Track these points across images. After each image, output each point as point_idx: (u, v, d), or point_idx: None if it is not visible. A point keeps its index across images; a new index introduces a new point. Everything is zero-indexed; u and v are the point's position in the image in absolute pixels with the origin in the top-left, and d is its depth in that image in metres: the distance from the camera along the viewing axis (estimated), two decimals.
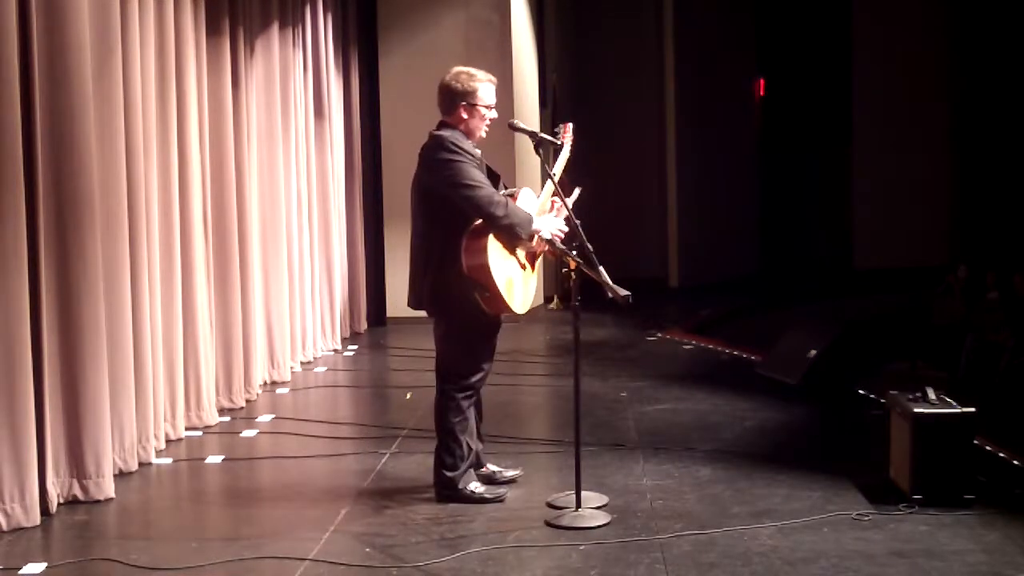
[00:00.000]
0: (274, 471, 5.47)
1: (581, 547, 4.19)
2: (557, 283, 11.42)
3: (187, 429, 6.08)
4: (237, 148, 6.89)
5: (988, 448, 5.36)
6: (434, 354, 4.87)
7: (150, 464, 5.45)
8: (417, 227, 4.74)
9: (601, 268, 4.41)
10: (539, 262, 4.98)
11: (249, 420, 6.48)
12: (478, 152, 4.68)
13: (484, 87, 4.71)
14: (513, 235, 4.60)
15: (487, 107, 4.72)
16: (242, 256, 6.93)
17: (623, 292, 4.33)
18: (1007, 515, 4.46)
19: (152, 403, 5.56)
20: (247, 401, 6.88)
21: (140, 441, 5.38)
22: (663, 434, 5.95)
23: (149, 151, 5.59)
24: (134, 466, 5.28)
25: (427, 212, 4.67)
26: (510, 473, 5.02)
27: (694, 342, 9.25)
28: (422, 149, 4.70)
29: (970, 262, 10.81)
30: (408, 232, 4.83)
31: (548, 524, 4.44)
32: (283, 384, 7.64)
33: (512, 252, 4.67)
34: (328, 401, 7.35)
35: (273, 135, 7.72)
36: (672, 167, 14.18)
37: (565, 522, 4.43)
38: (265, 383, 7.49)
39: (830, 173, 16.04)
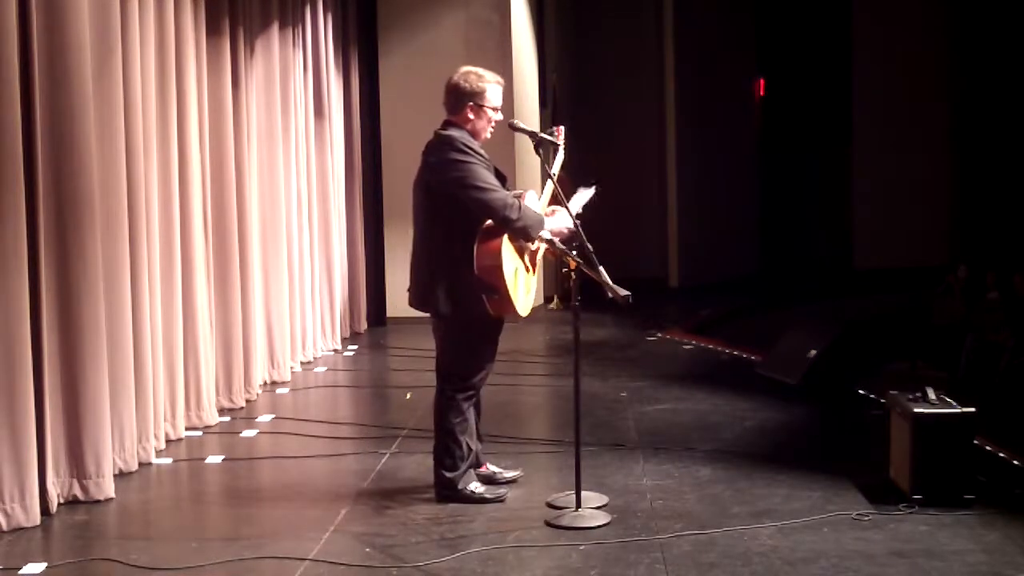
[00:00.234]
0: (274, 471, 5.47)
1: (581, 547, 4.19)
2: (557, 283, 11.41)
3: (187, 429, 6.08)
4: (237, 148, 6.89)
5: (988, 448, 5.36)
6: (434, 354, 4.86)
7: (150, 464, 5.44)
8: (419, 226, 4.71)
9: (601, 268, 4.40)
10: (539, 263, 4.98)
11: (249, 420, 6.48)
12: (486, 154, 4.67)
13: (492, 88, 4.68)
14: (527, 237, 4.59)
15: (494, 109, 4.68)
16: (242, 256, 6.93)
17: (623, 292, 4.33)
18: (1007, 515, 4.45)
19: (152, 403, 5.56)
20: (247, 401, 6.88)
21: (140, 441, 5.38)
22: (663, 434, 5.95)
23: (149, 151, 5.58)
24: (134, 466, 5.28)
25: (431, 211, 4.64)
26: (510, 474, 5.02)
27: (694, 342, 9.24)
28: (427, 148, 4.67)
29: (970, 262, 10.81)
30: (409, 232, 4.82)
31: (548, 524, 4.44)
32: (283, 384, 7.64)
33: (521, 255, 4.66)
34: (328, 401, 7.35)
35: (273, 135, 7.72)
36: (672, 167, 14.18)
37: (565, 522, 4.43)
38: (265, 383, 7.49)
39: (830, 173, 16.04)
